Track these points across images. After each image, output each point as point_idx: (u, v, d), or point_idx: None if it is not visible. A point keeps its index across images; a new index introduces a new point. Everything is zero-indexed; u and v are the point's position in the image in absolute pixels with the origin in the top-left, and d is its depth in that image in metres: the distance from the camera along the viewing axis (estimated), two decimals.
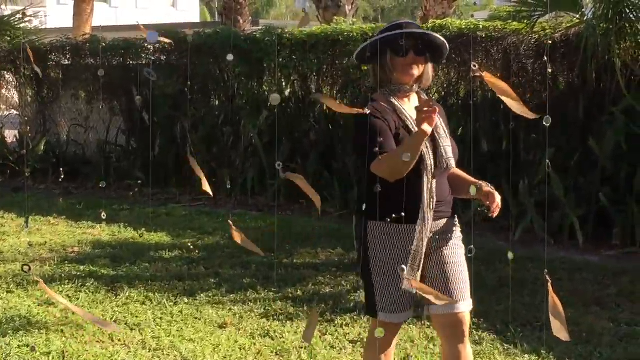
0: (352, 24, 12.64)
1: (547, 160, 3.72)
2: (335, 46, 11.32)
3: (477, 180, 4.12)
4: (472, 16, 14.61)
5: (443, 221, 4.17)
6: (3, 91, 15.86)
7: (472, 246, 4.05)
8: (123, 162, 13.23)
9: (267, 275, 7.75)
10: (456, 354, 4.18)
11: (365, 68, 11.09)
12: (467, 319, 4.17)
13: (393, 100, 4.16)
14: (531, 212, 9.02)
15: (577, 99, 9.48)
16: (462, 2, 20.12)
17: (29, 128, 14.66)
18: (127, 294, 7.23)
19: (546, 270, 3.29)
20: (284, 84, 11.88)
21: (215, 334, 6.19)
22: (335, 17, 14.35)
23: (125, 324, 6.47)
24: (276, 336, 6.17)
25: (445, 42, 4.22)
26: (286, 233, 9.41)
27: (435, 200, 4.05)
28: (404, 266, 3.93)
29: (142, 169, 12.82)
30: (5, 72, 15.41)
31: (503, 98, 3.19)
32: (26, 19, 15.39)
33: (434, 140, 4.06)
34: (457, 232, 4.26)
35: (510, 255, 3.72)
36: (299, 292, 7.24)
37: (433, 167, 4.03)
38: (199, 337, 6.16)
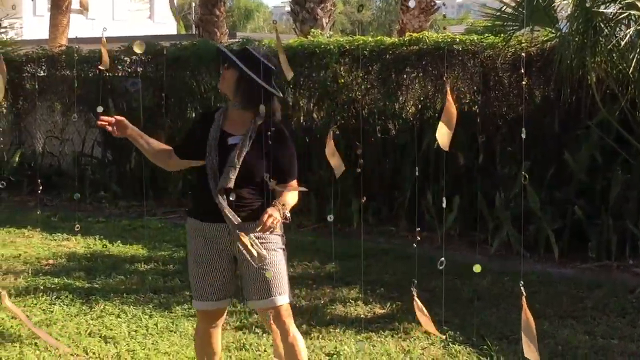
0: (329, 37, 12.63)
1: (523, 173, 3.75)
2: (312, 59, 11.32)
3: (276, 201, 4.45)
4: (445, 29, 14.61)
5: (249, 225, 4.44)
6: None
7: (442, 258, 4.10)
8: (98, 174, 13.17)
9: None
10: (284, 340, 4.60)
11: (342, 81, 11.15)
12: (285, 309, 4.62)
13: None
14: (507, 225, 9.04)
15: (552, 113, 9.53)
16: (438, 16, 20.13)
17: (3, 139, 14.56)
18: (102, 307, 7.18)
19: (522, 282, 3.30)
20: None
21: (190, 347, 6.15)
22: (312, 30, 14.31)
23: (100, 337, 6.42)
24: (252, 349, 6.14)
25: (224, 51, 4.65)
26: None
27: (225, 204, 4.43)
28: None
29: (117, 181, 12.77)
30: None
31: (441, 122, 3.39)
32: (2, 30, 15.33)
33: (222, 159, 4.49)
34: (273, 237, 4.57)
35: (477, 268, 3.76)
36: None
37: (216, 181, 4.48)
38: (174, 350, 6.13)
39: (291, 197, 4.59)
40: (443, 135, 3.45)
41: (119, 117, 4.61)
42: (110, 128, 4.56)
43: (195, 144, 4.60)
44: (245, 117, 4.55)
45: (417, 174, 4.37)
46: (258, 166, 4.49)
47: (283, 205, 4.42)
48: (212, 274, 4.60)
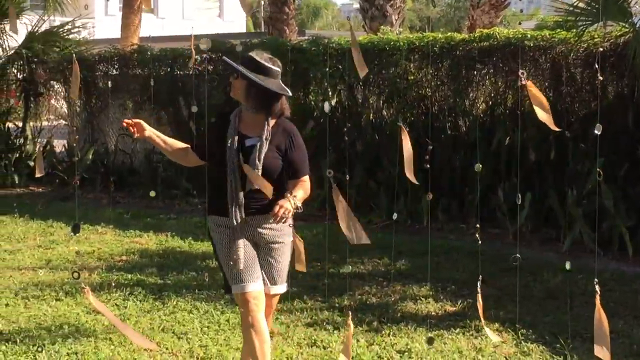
0: (398, 34, 12.61)
1: (598, 169, 3.72)
2: (381, 56, 11.30)
3: (289, 194, 4.77)
4: (520, 24, 14.47)
5: (260, 217, 4.89)
6: (52, 101, 16.03)
7: (517, 255, 4.18)
8: (169, 171, 13.29)
9: (313, 284, 7.74)
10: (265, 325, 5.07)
11: (412, 78, 11.12)
12: (276, 298, 5.20)
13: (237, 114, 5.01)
14: (580, 222, 8.93)
15: (626, 109, 9.39)
16: (509, 11, 20.02)
17: (77, 137, 14.79)
18: (175, 303, 7.26)
19: (596, 280, 3.25)
20: (330, 93, 11.86)
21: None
22: (382, 27, 14.31)
23: (173, 332, 6.49)
24: (323, 346, 6.16)
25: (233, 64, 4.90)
26: (332, 242, 9.37)
27: (241, 200, 4.80)
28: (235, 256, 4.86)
29: (188, 179, 12.87)
30: (55, 83, 15.58)
31: (535, 107, 3.42)
32: (75, 30, 15.57)
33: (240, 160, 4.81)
34: (286, 229, 4.98)
35: (567, 265, 3.73)
36: (346, 302, 7.22)
37: (237, 180, 4.80)
38: None
39: (302, 190, 4.91)
40: (545, 118, 3.53)
41: (137, 120, 5.02)
42: (131, 129, 4.96)
43: (214, 144, 4.89)
44: (258, 119, 4.88)
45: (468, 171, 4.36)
46: (275, 165, 4.86)
47: (294, 196, 4.75)
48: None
